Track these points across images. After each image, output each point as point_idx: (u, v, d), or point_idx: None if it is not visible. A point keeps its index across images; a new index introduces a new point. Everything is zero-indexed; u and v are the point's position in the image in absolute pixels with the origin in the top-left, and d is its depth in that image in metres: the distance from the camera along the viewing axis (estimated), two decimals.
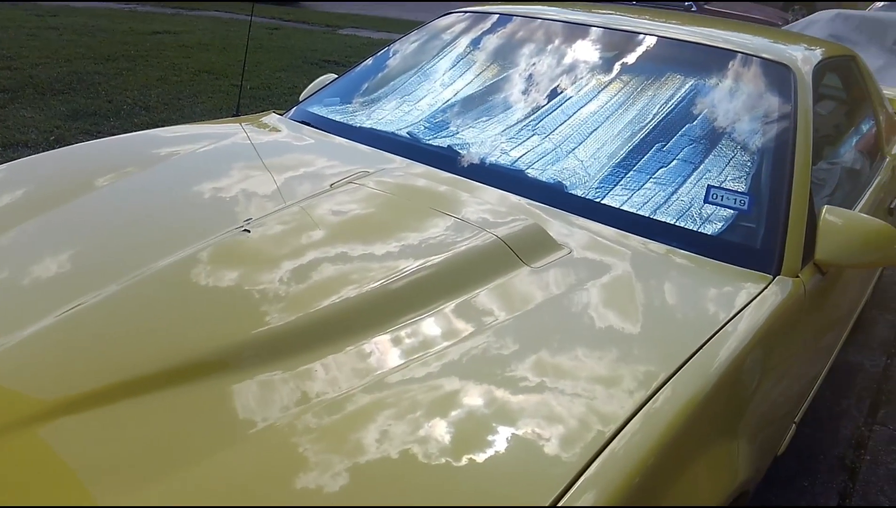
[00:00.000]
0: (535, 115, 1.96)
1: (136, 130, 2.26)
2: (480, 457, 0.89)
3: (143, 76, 6.22)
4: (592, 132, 1.86)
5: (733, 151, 1.75)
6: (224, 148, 1.88)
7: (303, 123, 2.13)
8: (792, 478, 2.21)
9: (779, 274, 1.46)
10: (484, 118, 2.00)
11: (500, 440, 0.93)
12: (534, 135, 1.89)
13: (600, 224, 1.56)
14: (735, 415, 1.19)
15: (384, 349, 1.09)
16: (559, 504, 0.84)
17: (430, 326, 1.15)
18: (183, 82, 6.18)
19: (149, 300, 1.15)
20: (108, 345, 1.05)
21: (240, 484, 0.85)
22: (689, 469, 1.01)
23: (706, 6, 10.41)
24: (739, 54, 1.97)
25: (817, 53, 2.10)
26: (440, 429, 0.93)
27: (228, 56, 7.40)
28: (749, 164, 1.71)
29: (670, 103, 1.89)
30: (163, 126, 2.23)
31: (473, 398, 0.99)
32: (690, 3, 10.27)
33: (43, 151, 2.00)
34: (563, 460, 0.90)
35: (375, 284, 1.22)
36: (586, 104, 1.95)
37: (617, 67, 2.05)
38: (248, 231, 1.34)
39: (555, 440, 0.93)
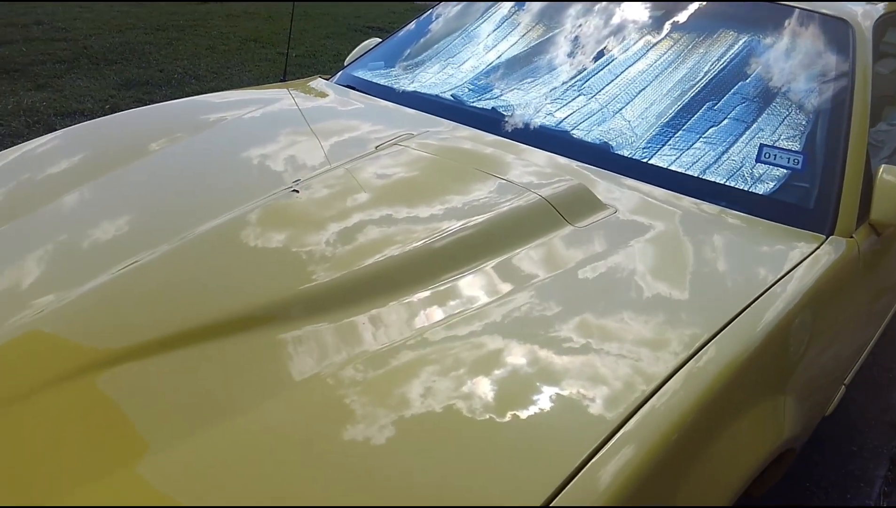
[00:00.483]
0: (582, 75, 1.93)
1: None
2: (519, 411, 0.91)
3: (193, 45, 6.32)
4: (640, 92, 1.83)
5: (787, 110, 1.70)
6: (271, 112, 1.91)
7: (348, 87, 2.14)
8: (841, 442, 2.18)
9: (832, 234, 1.43)
10: (529, 80, 1.98)
11: (539, 395, 0.94)
12: (580, 95, 1.87)
13: (647, 184, 1.54)
14: (782, 374, 1.18)
15: (427, 305, 1.11)
16: (596, 458, 0.85)
17: (472, 283, 1.17)
18: (231, 51, 6.25)
19: (201, 258, 1.19)
20: (162, 300, 1.09)
21: (286, 431, 0.88)
22: (732, 426, 1.01)
23: None
24: (796, 9, 1.90)
25: (878, 7, 2.01)
26: (480, 384, 0.95)
27: (274, 24, 7.45)
28: (804, 122, 1.66)
29: (722, 61, 1.84)
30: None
31: (514, 354, 1.00)
32: None
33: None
34: (601, 415, 0.90)
35: (419, 242, 1.23)
36: (635, 63, 1.92)
37: (668, 24, 2.00)
38: (297, 192, 1.37)
39: (594, 396, 0.94)
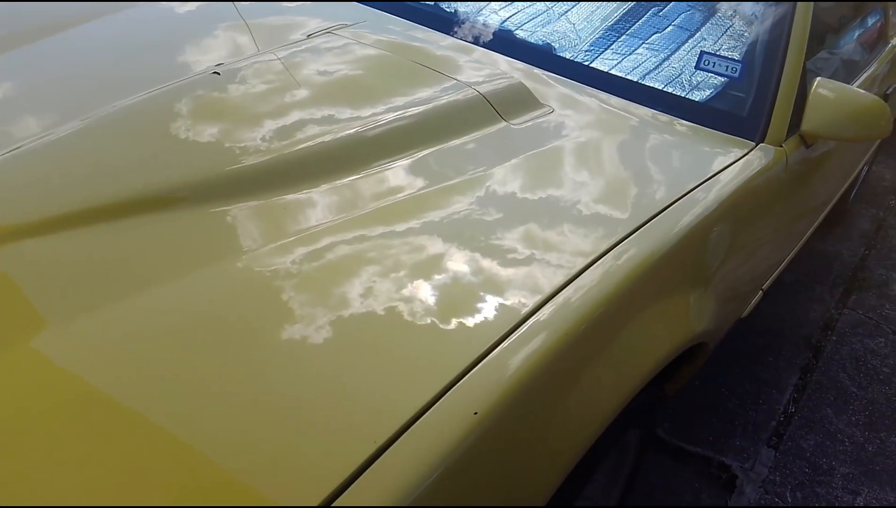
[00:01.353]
0: None
1: None
2: (432, 296, 0.90)
3: None
4: None
5: (730, 21, 1.68)
6: None
7: None
8: (758, 353, 2.29)
9: (762, 142, 1.45)
10: None
11: (454, 282, 0.93)
12: None
13: (588, 87, 1.52)
14: (696, 272, 1.21)
15: (356, 189, 1.08)
16: (505, 345, 0.84)
17: (401, 171, 1.14)
18: None
19: (116, 134, 1.12)
20: (68, 175, 1.03)
21: (193, 309, 0.86)
22: (642, 318, 1.03)
23: None
24: None
25: None
26: (397, 268, 0.93)
27: None
28: (745, 34, 1.65)
29: None
30: None
31: (433, 242, 0.99)
32: None
33: None
34: (514, 304, 0.90)
35: (351, 130, 1.19)
36: None
37: None
38: (218, 74, 1.30)
39: (509, 285, 0.93)
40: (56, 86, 1.30)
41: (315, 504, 0.65)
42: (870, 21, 2.47)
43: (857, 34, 2.34)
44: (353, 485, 0.67)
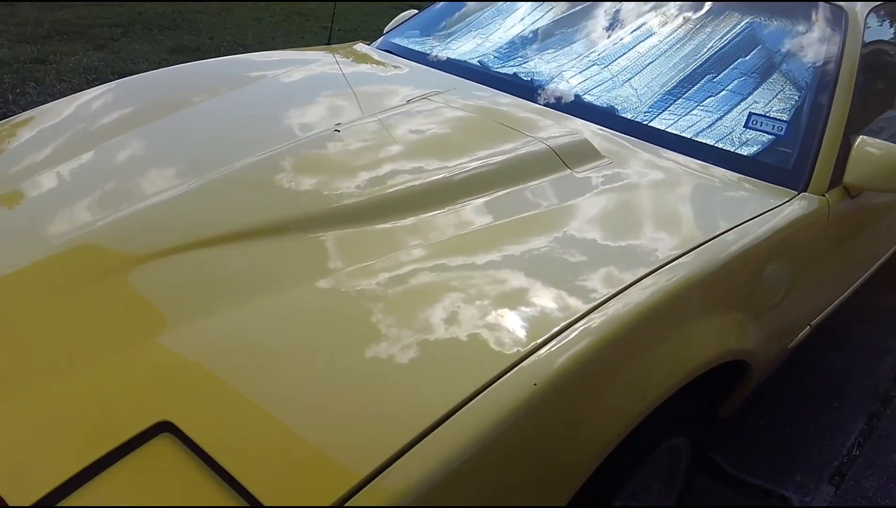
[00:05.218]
0: (597, 47, 2.12)
1: None
2: (495, 312, 1.09)
3: (240, 16, 6.60)
4: (649, 64, 2.02)
5: (780, 85, 1.87)
6: (313, 70, 2.13)
7: (387, 52, 2.36)
8: (827, 399, 2.36)
9: (805, 191, 1.61)
10: (549, 50, 2.18)
11: (515, 295, 1.13)
12: (594, 65, 2.07)
13: (645, 141, 1.74)
14: (743, 298, 1.38)
15: (442, 221, 1.33)
16: (564, 335, 1.05)
17: (480, 208, 1.39)
18: (276, 23, 6.52)
19: (243, 183, 1.40)
20: (203, 212, 1.31)
21: (303, 314, 1.10)
22: (685, 327, 1.22)
23: None
24: None
25: None
26: (472, 285, 1.15)
27: None
28: (793, 96, 1.84)
29: (725, 39, 2.02)
30: None
31: (506, 264, 1.21)
32: None
33: None
34: (571, 306, 1.12)
35: (439, 176, 1.46)
36: (646, 39, 2.10)
37: (678, 5, 2.18)
38: (339, 131, 1.60)
39: (572, 291, 1.15)
40: (192, 148, 1.59)
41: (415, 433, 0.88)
42: None
43: None
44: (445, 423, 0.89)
